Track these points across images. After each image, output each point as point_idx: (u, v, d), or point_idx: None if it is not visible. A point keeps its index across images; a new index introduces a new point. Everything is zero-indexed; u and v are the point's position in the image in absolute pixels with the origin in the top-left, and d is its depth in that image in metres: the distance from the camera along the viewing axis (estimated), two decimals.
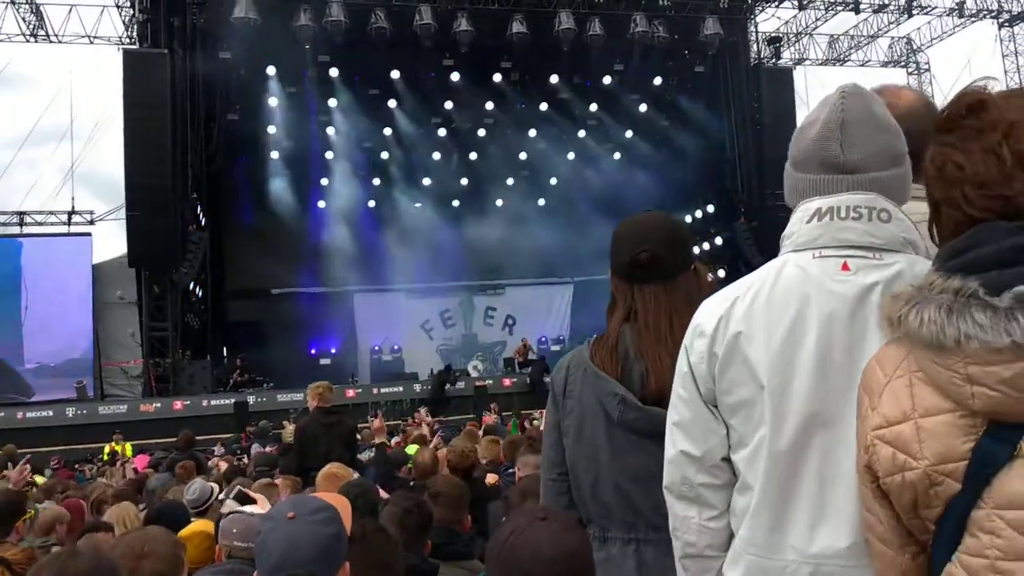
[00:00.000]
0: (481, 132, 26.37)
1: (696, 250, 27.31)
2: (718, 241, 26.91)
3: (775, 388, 1.56)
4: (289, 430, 8.37)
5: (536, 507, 1.76)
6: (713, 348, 1.64)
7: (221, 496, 4.43)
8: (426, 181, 27.45)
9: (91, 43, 24.36)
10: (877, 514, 1.35)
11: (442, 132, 26.10)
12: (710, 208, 27.28)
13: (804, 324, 1.55)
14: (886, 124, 1.62)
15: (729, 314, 1.64)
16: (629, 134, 27.30)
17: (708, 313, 1.69)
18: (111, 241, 22.19)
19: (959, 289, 1.21)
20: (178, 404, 18.86)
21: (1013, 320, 1.15)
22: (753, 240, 24.36)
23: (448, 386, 21.10)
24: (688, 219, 28.30)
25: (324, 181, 26.59)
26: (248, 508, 3.50)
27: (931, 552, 1.31)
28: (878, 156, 1.60)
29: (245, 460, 11.06)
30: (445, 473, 4.55)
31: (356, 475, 5.05)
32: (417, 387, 21.31)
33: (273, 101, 23.57)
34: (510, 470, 5.70)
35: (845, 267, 1.55)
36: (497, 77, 23.98)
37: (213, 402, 19.14)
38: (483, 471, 5.27)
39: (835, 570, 1.50)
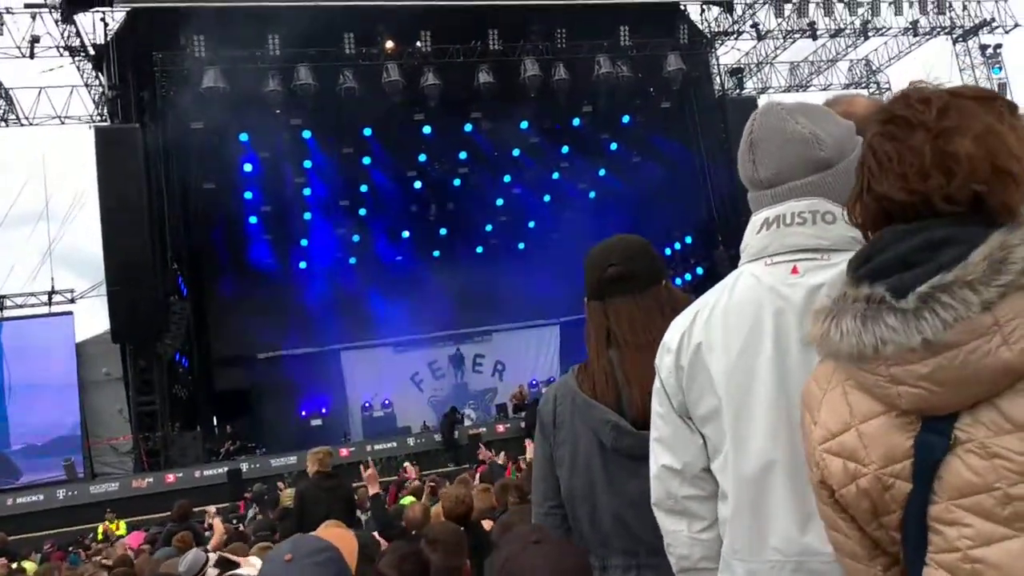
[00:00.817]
0: (456, 181, 26.59)
1: (679, 282, 27.86)
2: (699, 271, 27.09)
3: (735, 396, 1.61)
4: (287, 494, 8.28)
5: (527, 529, 1.77)
6: (679, 362, 1.70)
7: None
8: (405, 234, 27.56)
9: (62, 123, 24.44)
10: (841, 529, 1.36)
11: (418, 184, 26.29)
12: (688, 239, 27.51)
13: (760, 329, 1.61)
14: (797, 136, 1.68)
15: (691, 328, 1.70)
16: (602, 172, 27.61)
17: (673, 330, 1.76)
18: (93, 318, 22.05)
19: (869, 296, 1.25)
20: (171, 477, 18.61)
21: (921, 319, 1.18)
22: (733, 267, 24.39)
23: (457, 426, 21.03)
24: (667, 252, 28.52)
25: (304, 242, 26.68)
26: (240, 571, 3.45)
27: (904, 561, 1.31)
28: (791, 168, 1.67)
29: (242, 527, 10.92)
30: (441, 520, 4.53)
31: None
32: (411, 441, 21.17)
33: (248, 167, 23.70)
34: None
35: (795, 271, 1.62)
36: (468, 127, 24.26)
37: (206, 472, 18.90)
38: (479, 518, 5.24)
39: (819, 567, 1.53)
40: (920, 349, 1.19)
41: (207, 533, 10.54)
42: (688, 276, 27.81)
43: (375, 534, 4.81)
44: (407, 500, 6.77)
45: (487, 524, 5.29)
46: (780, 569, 1.56)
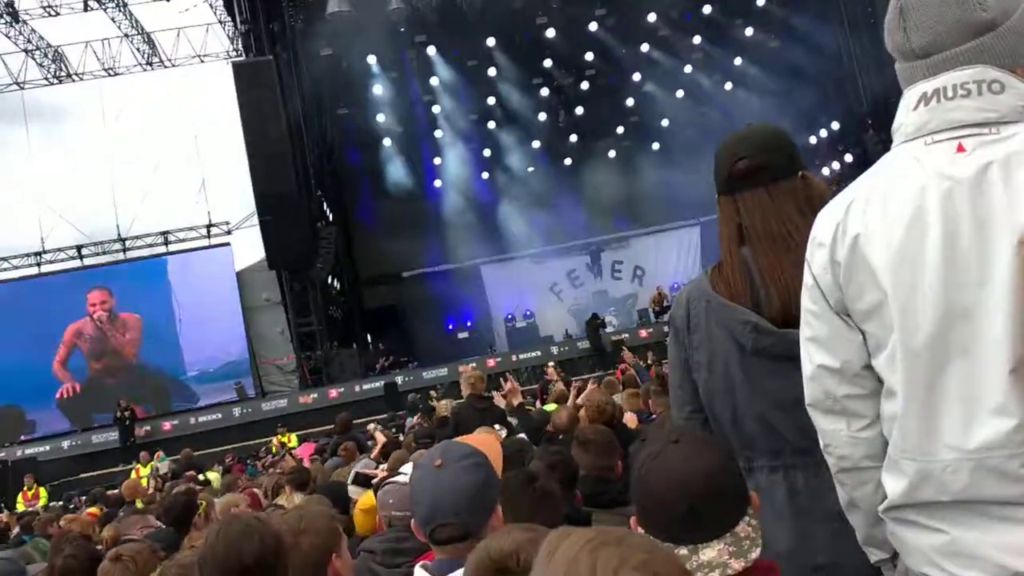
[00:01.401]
0: (584, 85, 25.98)
1: (826, 171, 26.42)
2: (848, 159, 25.55)
3: (902, 288, 1.46)
4: (443, 405, 8.58)
5: (670, 431, 1.69)
6: (835, 257, 1.56)
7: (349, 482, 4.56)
8: (535, 144, 27.33)
9: (202, 62, 25.56)
10: None
11: (545, 91, 25.88)
12: (835, 126, 25.91)
13: (924, 217, 1.44)
14: None
15: (845, 219, 1.55)
16: (738, 61, 26.24)
17: (824, 222, 1.60)
18: (250, 248, 23.29)
19: None
20: (333, 392, 19.73)
21: None
22: (885, 151, 22.95)
23: (601, 331, 21.18)
24: (813, 140, 27.03)
25: (437, 160, 26.98)
26: (401, 478, 3.57)
27: None
28: (949, 33, 1.49)
29: (401, 436, 11.44)
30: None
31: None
32: (555, 349, 21.44)
33: (378, 89, 24.05)
34: (653, 418, 5.65)
35: (960, 148, 1.44)
36: (593, 26, 23.52)
37: (365, 387, 19.93)
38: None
39: (1000, 462, 1.40)
40: None
41: (369, 443, 11.14)
42: (836, 165, 26.32)
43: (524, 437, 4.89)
44: (551, 407, 6.82)
45: (631, 419, 5.27)
46: (956, 469, 1.44)
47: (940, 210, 1.43)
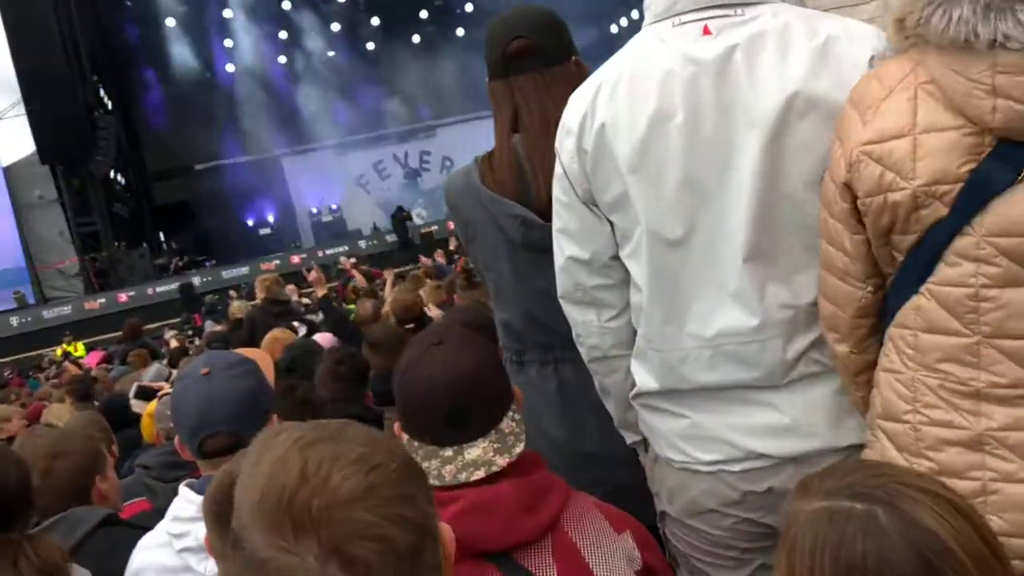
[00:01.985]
0: None
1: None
2: None
3: (645, 177, 1.45)
4: (236, 307, 8.19)
5: (432, 331, 1.65)
6: (582, 144, 1.52)
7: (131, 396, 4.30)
8: (335, 27, 26.01)
9: None
10: (842, 244, 1.28)
11: None
12: (635, 15, 26.38)
13: (669, 102, 1.42)
14: None
15: (593, 106, 1.51)
16: None
17: (573, 108, 1.56)
18: (18, 138, 20.91)
19: None
20: (123, 296, 18.51)
21: None
22: None
23: (408, 224, 20.93)
24: (614, 29, 27.46)
25: (228, 43, 25.07)
26: (167, 390, 3.39)
27: (892, 285, 1.27)
28: None
29: (197, 341, 10.96)
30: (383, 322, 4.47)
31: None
32: (363, 243, 21.09)
33: None
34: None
35: (706, 31, 1.42)
36: None
37: (159, 289, 18.79)
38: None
39: (735, 347, 1.45)
40: None
41: (163, 350, 10.60)
42: None
43: (328, 335, 4.76)
44: (350, 307, 6.67)
45: (436, 312, 5.26)
46: (696, 357, 1.48)
47: (684, 95, 1.41)
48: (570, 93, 1.66)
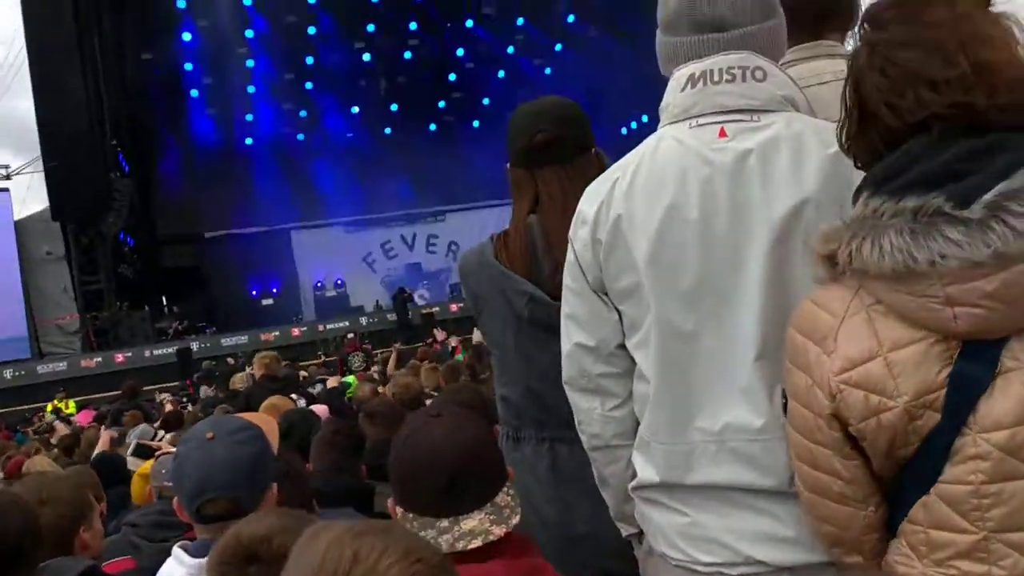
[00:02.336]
0: (407, 54, 25.63)
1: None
2: None
3: (658, 270, 1.50)
4: (237, 377, 8.16)
5: (433, 404, 1.69)
6: (596, 235, 1.57)
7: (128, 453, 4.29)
8: (354, 109, 26.72)
9: None
10: (833, 469, 1.27)
11: (367, 56, 25.28)
12: (644, 118, 27.09)
13: (685, 200, 1.48)
14: None
15: (610, 197, 1.57)
16: (559, 47, 26.84)
17: (589, 198, 1.62)
18: (32, 195, 21.26)
19: (918, 208, 1.12)
20: (120, 357, 18.46)
21: (989, 230, 1.08)
22: None
23: (409, 305, 21.02)
24: (624, 131, 28.16)
25: (248, 116, 25.68)
26: (167, 451, 3.39)
27: (896, 495, 1.26)
28: (748, 9, 1.53)
29: (191, 407, 10.90)
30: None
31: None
32: (364, 320, 21.14)
33: (187, 36, 22.57)
34: None
35: (722, 133, 1.48)
36: None
37: (156, 352, 18.75)
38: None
39: (740, 444, 1.46)
40: (988, 263, 1.08)
41: (155, 413, 10.52)
42: None
43: (324, 407, 4.75)
44: (350, 379, 6.68)
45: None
46: (702, 451, 1.49)
47: (699, 194, 1.47)
48: (587, 183, 1.72)
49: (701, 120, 1.50)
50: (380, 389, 5.21)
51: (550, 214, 2.00)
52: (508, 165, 2.11)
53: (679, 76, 1.54)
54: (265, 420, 2.23)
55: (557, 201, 1.99)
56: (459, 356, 10.09)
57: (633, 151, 1.60)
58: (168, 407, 7.84)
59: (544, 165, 2.03)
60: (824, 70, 1.77)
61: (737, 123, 1.48)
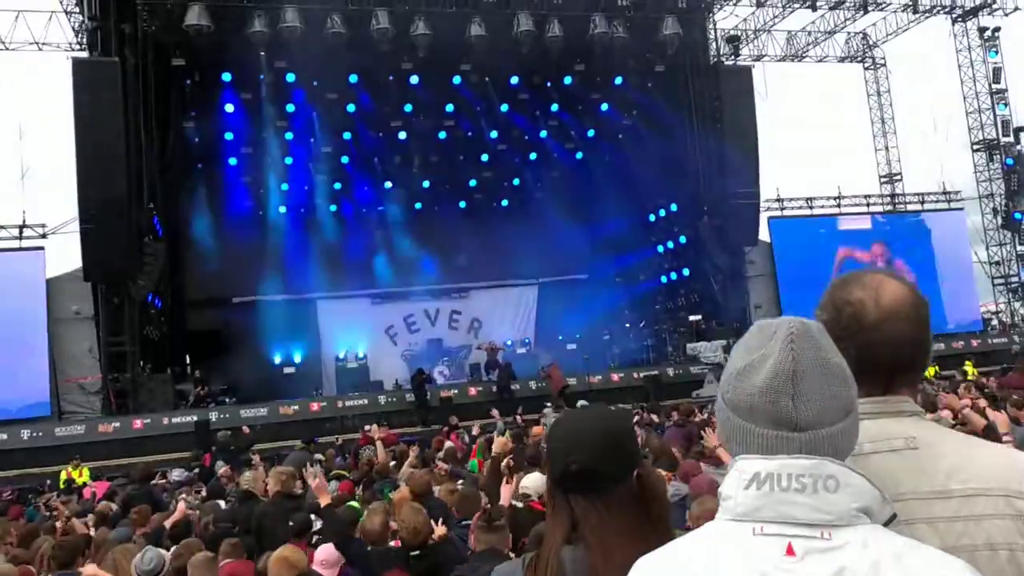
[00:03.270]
0: (442, 134, 26.11)
1: (661, 249, 27.75)
2: (682, 239, 26.96)
3: None
4: (247, 477, 8.00)
5: None
6: None
7: None
8: (387, 185, 27.18)
9: (40, 50, 23.86)
10: None
11: (402, 135, 25.79)
12: (673, 207, 27.31)
13: None
14: (837, 371, 1.44)
15: None
16: (591, 133, 27.25)
17: None
18: (64, 253, 21.61)
19: None
20: (137, 423, 18.48)
21: None
22: (716, 238, 24.47)
23: (428, 386, 20.96)
24: (652, 218, 28.37)
25: (284, 186, 26.21)
26: None
27: None
28: (831, 410, 1.41)
29: (203, 490, 10.83)
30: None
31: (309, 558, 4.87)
32: (382, 399, 21.07)
33: (229, 107, 23.19)
34: (465, 522, 5.56)
35: (790, 551, 1.36)
36: (456, 79, 23.75)
37: (174, 420, 18.73)
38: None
39: None
40: None
41: (166, 497, 10.48)
42: (671, 243, 27.73)
43: (330, 548, 4.67)
44: (354, 504, 6.53)
45: (440, 531, 5.14)
46: None
47: None
48: (627, 513, 1.62)
49: (767, 528, 1.38)
50: (391, 524, 5.12)
51: (590, 551, 1.90)
52: (548, 482, 2.04)
53: (744, 469, 1.43)
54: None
55: (595, 535, 1.89)
56: (473, 461, 10.00)
57: (690, 544, 1.48)
58: (180, 505, 7.74)
59: (579, 493, 1.94)
60: (895, 434, 1.68)
61: (806, 539, 1.36)
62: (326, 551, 4.52)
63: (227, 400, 21.30)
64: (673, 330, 26.96)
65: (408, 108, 24.61)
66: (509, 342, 26.77)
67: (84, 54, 21.29)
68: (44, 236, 22.48)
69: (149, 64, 20.86)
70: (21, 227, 22.40)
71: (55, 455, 17.08)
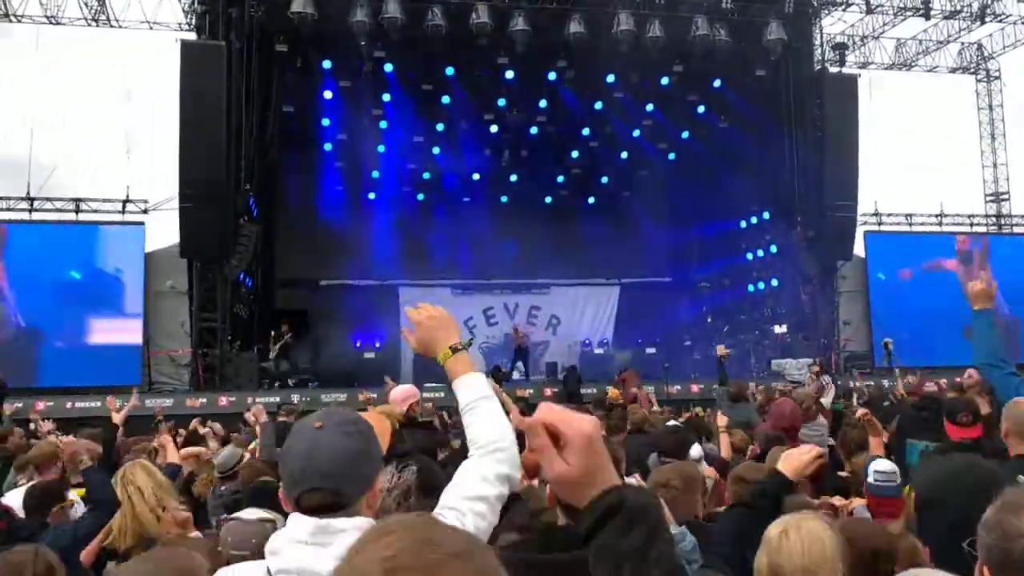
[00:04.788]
0: (533, 130, 26.03)
1: (749, 256, 27.01)
2: (772, 249, 26.23)
3: None
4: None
5: None
6: None
7: None
8: (476, 176, 27.26)
9: (151, 29, 24.64)
10: None
11: (494, 128, 25.83)
12: (766, 215, 26.60)
13: None
14: None
15: None
16: (686, 135, 26.77)
17: None
18: (164, 229, 22.38)
19: None
20: (223, 400, 19.00)
21: None
22: (808, 251, 23.73)
23: (504, 384, 20.99)
24: (743, 224, 27.70)
25: (375, 174, 26.60)
26: (244, 514, 3.40)
27: None
28: None
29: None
30: None
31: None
32: None
33: (328, 94, 23.61)
34: None
35: None
36: (552, 76, 23.60)
37: (259, 399, 19.17)
38: None
39: None
40: None
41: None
42: (760, 252, 27.04)
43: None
44: None
45: None
46: None
47: None
48: None
49: None
50: None
51: None
52: None
53: None
54: (380, 421, 2.22)
55: None
56: None
57: None
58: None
59: None
60: None
61: None
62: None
63: (309, 384, 21.74)
64: (758, 341, 26.32)
65: (502, 103, 24.60)
66: (587, 341, 26.63)
67: (192, 36, 21.89)
68: (145, 212, 23.33)
69: (254, 49, 21.33)
70: (124, 202, 23.27)
71: (145, 424, 17.68)
